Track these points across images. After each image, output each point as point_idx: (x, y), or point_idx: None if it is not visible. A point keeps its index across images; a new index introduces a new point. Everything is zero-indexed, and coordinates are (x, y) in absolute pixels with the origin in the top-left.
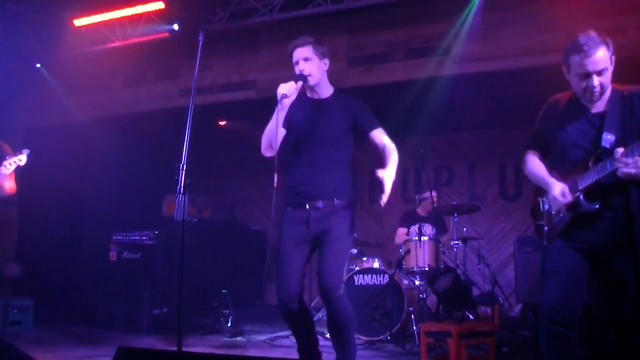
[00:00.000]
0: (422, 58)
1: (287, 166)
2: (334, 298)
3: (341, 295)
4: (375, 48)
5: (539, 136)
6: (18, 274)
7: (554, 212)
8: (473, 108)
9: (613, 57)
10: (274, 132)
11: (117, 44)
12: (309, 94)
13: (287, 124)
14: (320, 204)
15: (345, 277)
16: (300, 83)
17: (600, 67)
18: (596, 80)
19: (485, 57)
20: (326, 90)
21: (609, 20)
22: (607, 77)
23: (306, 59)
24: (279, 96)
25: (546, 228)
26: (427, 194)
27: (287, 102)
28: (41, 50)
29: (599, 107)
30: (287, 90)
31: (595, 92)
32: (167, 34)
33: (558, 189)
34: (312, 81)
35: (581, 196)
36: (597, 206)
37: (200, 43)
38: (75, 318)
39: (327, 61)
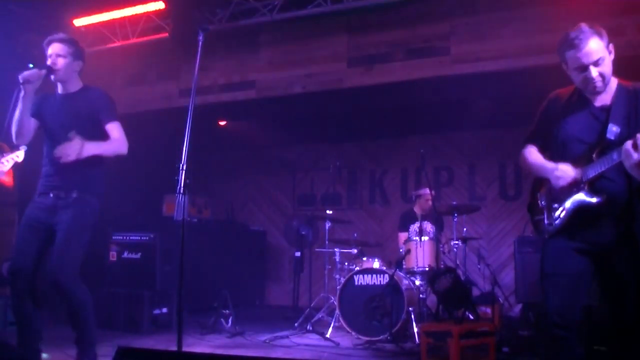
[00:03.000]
0: (422, 58)
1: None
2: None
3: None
4: (375, 48)
5: (538, 131)
6: None
7: (555, 205)
8: (473, 108)
9: (611, 45)
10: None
11: (117, 44)
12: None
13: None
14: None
15: None
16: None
17: (595, 57)
18: (594, 71)
19: (485, 57)
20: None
21: (609, 20)
22: (606, 67)
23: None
24: (20, 81)
25: (546, 222)
26: (423, 191)
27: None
28: (41, 50)
29: (603, 100)
30: (25, 77)
31: (596, 83)
32: (167, 34)
33: (563, 166)
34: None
35: (586, 188)
36: (601, 199)
37: (200, 43)
38: None
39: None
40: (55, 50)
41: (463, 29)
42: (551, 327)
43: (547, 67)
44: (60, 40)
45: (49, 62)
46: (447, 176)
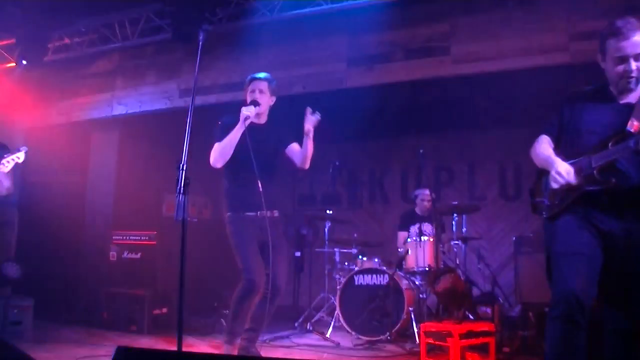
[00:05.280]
0: (422, 58)
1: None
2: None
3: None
4: (375, 48)
5: (553, 124)
6: (18, 274)
7: (557, 189)
8: (473, 108)
9: None
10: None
11: (117, 44)
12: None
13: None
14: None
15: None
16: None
17: (638, 50)
18: (634, 64)
19: (485, 57)
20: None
21: (609, 21)
22: None
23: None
24: (242, 117)
25: (547, 202)
26: (423, 191)
27: (247, 123)
28: (41, 50)
29: (629, 98)
30: (249, 112)
31: (632, 77)
32: (167, 34)
33: (564, 167)
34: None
35: (595, 172)
36: (606, 187)
37: (201, 43)
38: (75, 318)
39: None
40: (259, 87)
41: (463, 29)
42: (566, 312)
43: (547, 67)
44: (266, 79)
45: (254, 97)
46: (447, 176)
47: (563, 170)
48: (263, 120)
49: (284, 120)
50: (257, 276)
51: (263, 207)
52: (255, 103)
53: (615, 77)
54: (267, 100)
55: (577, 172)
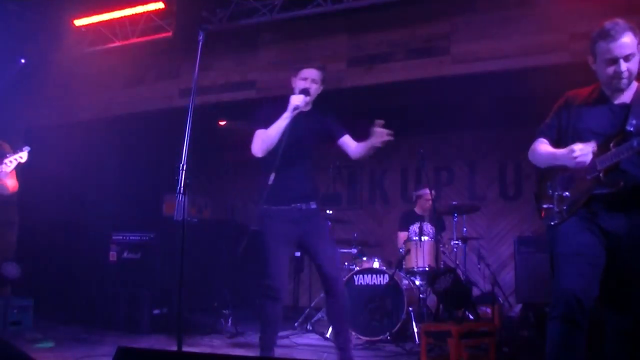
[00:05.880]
0: (422, 58)
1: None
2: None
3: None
4: (375, 48)
5: (553, 125)
6: (18, 274)
7: (566, 194)
8: (473, 108)
9: (639, 45)
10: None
11: (117, 44)
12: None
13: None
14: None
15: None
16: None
17: (627, 51)
18: (623, 65)
19: (485, 57)
20: None
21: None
22: (634, 64)
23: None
24: (291, 106)
25: (556, 209)
26: (423, 191)
27: (295, 113)
28: (41, 50)
29: (623, 98)
30: (299, 101)
31: (623, 78)
32: (167, 34)
33: (578, 145)
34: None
35: (601, 175)
36: (614, 189)
37: (201, 43)
38: (75, 318)
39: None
40: (311, 76)
41: (463, 29)
42: (566, 312)
43: (547, 67)
44: (318, 68)
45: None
46: (447, 176)
47: (581, 147)
48: (307, 108)
49: (330, 108)
50: (276, 281)
51: (298, 200)
52: (305, 92)
53: (607, 78)
54: (316, 90)
55: (588, 172)
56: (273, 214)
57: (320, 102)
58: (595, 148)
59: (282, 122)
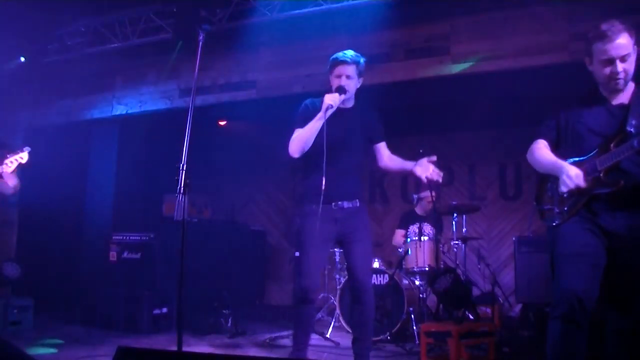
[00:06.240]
0: (422, 58)
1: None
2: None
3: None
4: (375, 48)
5: (552, 126)
6: (18, 274)
7: (565, 195)
8: (473, 108)
9: (636, 46)
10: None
11: (117, 44)
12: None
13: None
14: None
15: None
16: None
17: (623, 52)
18: (620, 66)
19: (485, 57)
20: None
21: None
22: (630, 64)
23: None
24: (325, 106)
25: (557, 210)
26: (425, 193)
27: (329, 113)
28: (41, 50)
29: (621, 99)
30: (333, 101)
31: (619, 78)
32: (167, 34)
33: (574, 171)
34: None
35: (602, 175)
36: (614, 189)
37: (200, 43)
38: (75, 318)
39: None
40: (345, 72)
41: (463, 29)
42: (567, 312)
43: (547, 67)
44: (353, 62)
45: (340, 83)
46: (447, 176)
47: (573, 175)
48: (350, 104)
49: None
50: (309, 282)
51: (342, 198)
52: (341, 90)
53: (604, 79)
54: (354, 86)
55: (588, 173)
56: (314, 213)
57: (366, 97)
58: (578, 187)
59: (316, 123)
